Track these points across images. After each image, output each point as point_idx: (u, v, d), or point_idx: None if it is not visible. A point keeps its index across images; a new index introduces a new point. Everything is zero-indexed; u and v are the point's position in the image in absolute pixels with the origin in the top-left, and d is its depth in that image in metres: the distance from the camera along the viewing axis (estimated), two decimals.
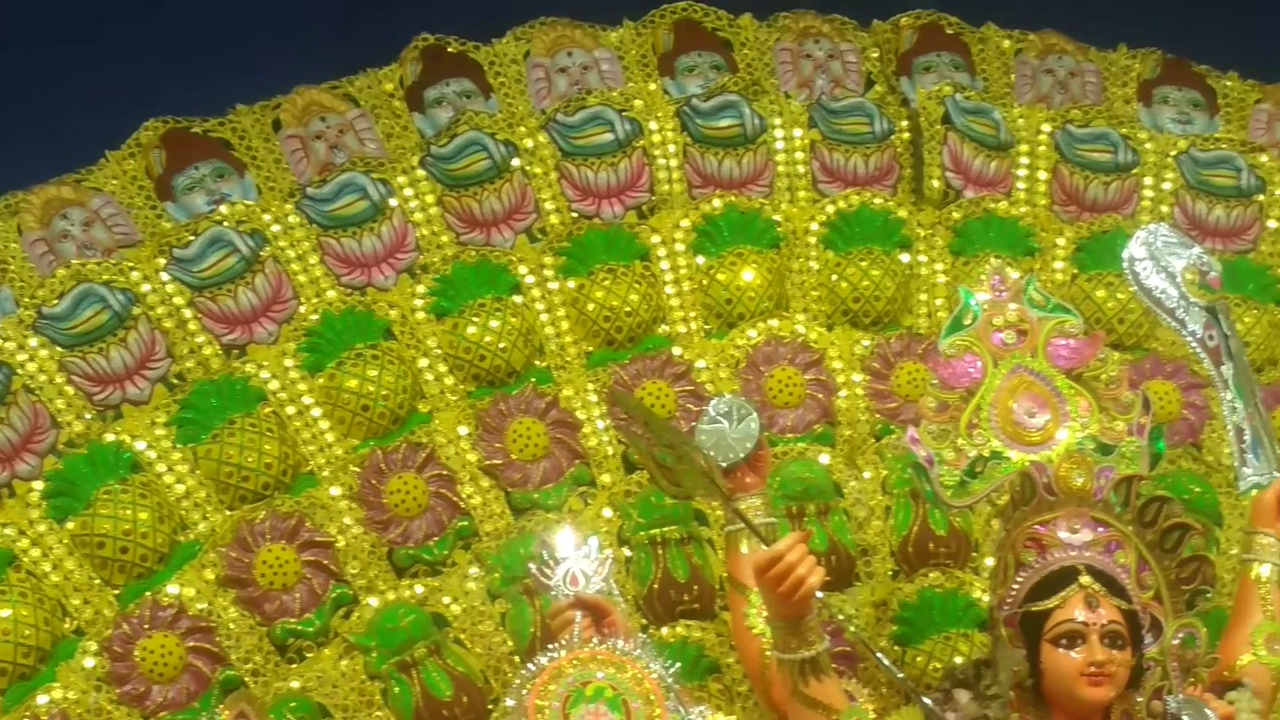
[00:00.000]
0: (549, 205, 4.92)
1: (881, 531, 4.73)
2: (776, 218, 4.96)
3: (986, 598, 4.39)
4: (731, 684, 4.57)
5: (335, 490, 4.60)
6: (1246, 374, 4.41)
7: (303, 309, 4.78)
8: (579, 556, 3.99)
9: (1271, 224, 5.19)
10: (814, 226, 4.96)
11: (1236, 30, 5.89)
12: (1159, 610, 4.06)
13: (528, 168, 4.92)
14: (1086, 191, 5.14)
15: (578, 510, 4.63)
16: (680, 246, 4.89)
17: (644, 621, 4.58)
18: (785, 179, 5.03)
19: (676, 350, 4.81)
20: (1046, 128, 5.16)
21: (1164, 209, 5.15)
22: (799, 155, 5.04)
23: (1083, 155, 5.15)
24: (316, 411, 4.68)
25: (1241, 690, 4.05)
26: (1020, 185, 5.14)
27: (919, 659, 4.62)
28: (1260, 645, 4.15)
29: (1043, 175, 5.14)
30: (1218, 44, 5.54)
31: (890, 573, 4.72)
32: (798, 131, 5.04)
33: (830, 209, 4.98)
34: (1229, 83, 5.38)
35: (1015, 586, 4.04)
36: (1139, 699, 4.03)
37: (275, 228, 4.81)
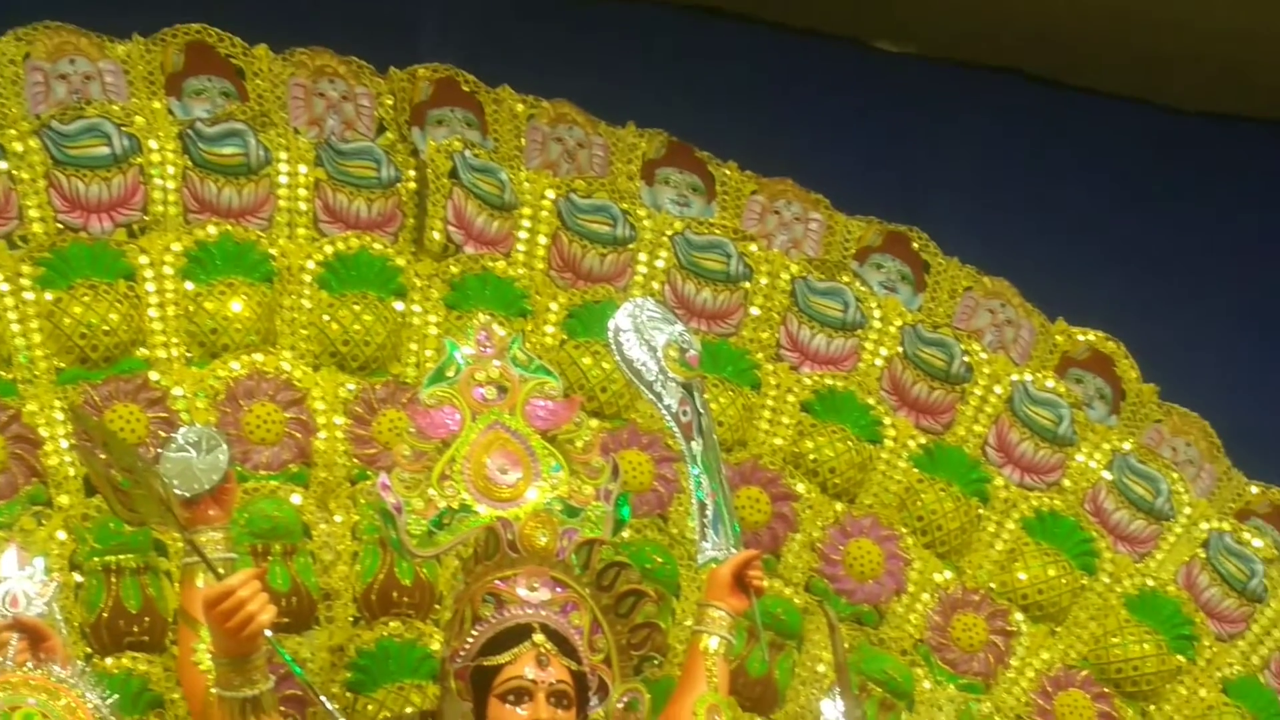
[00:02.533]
0: (34, 213, 4.73)
1: (347, 577, 4.69)
2: (273, 252, 4.88)
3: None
4: None
5: None
6: (715, 452, 4.53)
7: None
8: (22, 577, 3.84)
9: (754, 311, 5.36)
10: (310, 265, 4.90)
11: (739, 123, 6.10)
12: (607, 673, 4.13)
13: (15, 172, 4.72)
14: (583, 260, 5.22)
15: (30, 530, 4.44)
16: (169, 270, 4.76)
17: (89, 650, 4.42)
18: (286, 214, 4.96)
19: (154, 375, 4.67)
20: (551, 194, 5.23)
21: (655, 285, 5.27)
22: (302, 192, 4.97)
23: (583, 225, 5.23)
24: None
25: None
26: (520, 247, 5.19)
27: (370, 707, 4.58)
28: (701, 714, 4.23)
29: (543, 240, 5.20)
30: (725, 136, 5.73)
31: (351, 619, 4.68)
32: (303, 168, 4.97)
33: (328, 249, 4.93)
34: (728, 171, 5.55)
35: (470, 640, 4.06)
36: None
37: None
